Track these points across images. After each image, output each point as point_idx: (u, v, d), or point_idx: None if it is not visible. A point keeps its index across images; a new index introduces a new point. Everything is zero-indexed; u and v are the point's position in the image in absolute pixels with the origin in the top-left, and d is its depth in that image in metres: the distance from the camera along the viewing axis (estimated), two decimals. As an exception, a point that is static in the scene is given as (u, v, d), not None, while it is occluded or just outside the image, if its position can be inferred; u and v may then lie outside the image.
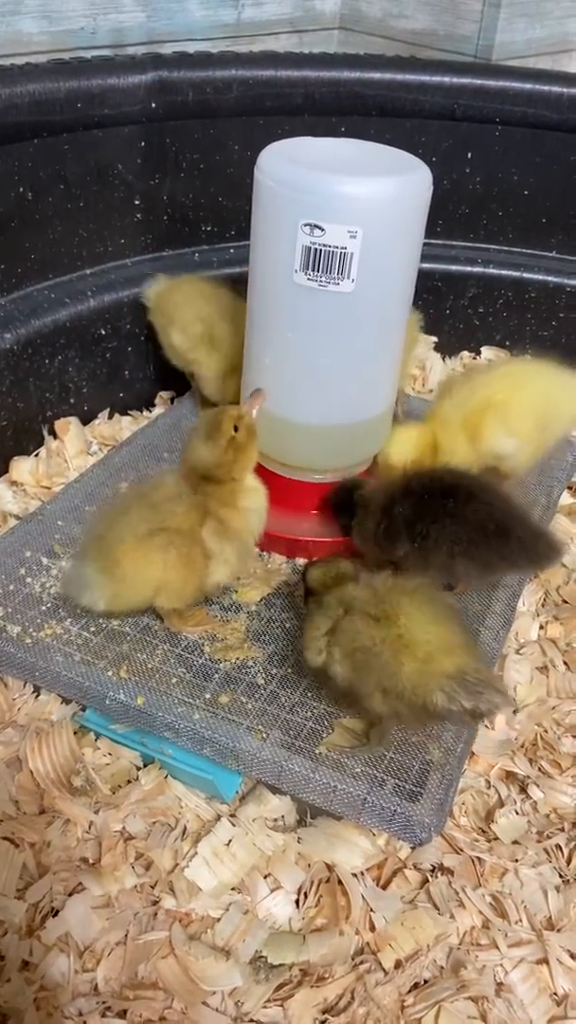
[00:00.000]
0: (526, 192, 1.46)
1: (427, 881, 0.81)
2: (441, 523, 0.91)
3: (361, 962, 0.75)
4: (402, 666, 0.76)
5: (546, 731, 0.95)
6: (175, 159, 1.31)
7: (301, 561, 1.06)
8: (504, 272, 1.51)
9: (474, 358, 1.59)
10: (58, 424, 1.29)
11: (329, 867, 0.81)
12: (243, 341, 1.06)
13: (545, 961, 0.76)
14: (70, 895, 0.77)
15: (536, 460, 1.12)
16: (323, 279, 0.90)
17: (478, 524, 0.91)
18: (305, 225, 0.88)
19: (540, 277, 1.50)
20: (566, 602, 1.12)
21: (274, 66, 1.31)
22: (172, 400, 1.43)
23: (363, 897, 0.79)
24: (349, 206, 0.87)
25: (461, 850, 0.83)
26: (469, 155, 1.44)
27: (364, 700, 0.79)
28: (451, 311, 1.55)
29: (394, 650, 0.77)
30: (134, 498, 0.91)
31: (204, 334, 1.22)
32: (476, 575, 0.95)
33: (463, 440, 1.06)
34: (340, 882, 0.79)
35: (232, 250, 1.42)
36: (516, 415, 1.05)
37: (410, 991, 0.73)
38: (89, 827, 0.83)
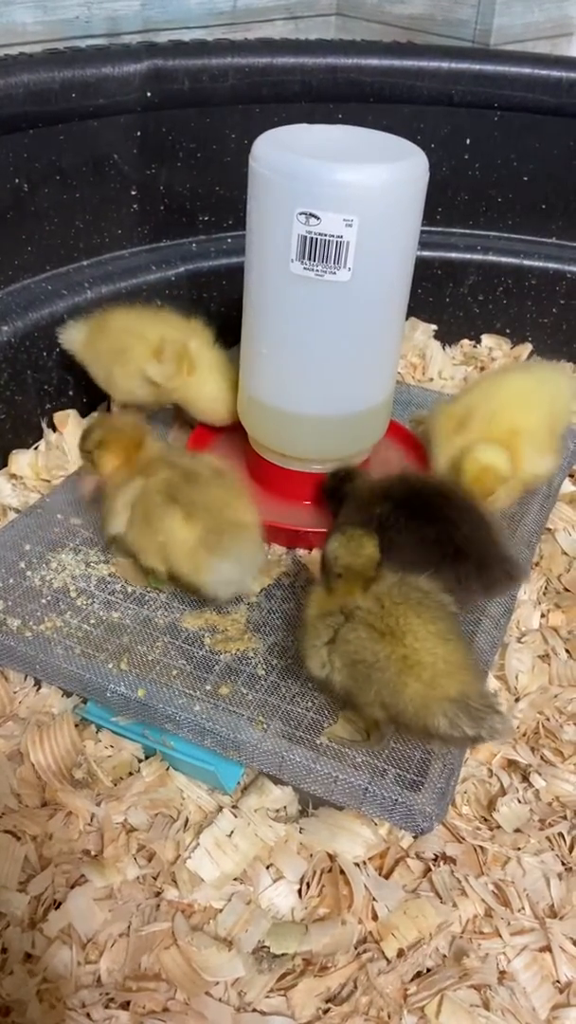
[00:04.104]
0: (525, 178, 1.45)
1: (429, 870, 0.81)
2: (405, 536, 0.91)
3: (364, 951, 0.75)
4: (406, 687, 0.75)
5: (548, 719, 0.95)
6: (171, 148, 1.31)
7: (301, 552, 1.06)
8: (504, 259, 1.50)
9: (474, 346, 1.58)
10: (57, 417, 1.29)
11: (331, 857, 0.81)
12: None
13: (548, 949, 0.76)
14: (72, 887, 0.78)
15: (557, 466, 1.13)
16: (320, 268, 0.90)
17: (437, 545, 0.91)
18: (300, 214, 0.87)
19: (540, 264, 1.49)
20: (567, 590, 1.11)
21: (270, 53, 1.30)
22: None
23: (365, 886, 0.79)
24: (345, 194, 0.86)
25: (463, 839, 0.83)
26: (467, 141, 1.43)
27: (364, 708, 0.79)
28: (451, 299, 1.55)
29: (398, 669, 0.75)
30: (209, 480, 0.94)
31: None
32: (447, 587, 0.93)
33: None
34: (342, 872, 0.80)
35: (230, 240, 1.42)
36: (541, 435, 1.07)
37: (413, 980, 0.73)
38: (91, 819, 0.83)
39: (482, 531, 0.93)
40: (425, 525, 0.92)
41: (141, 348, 1.13)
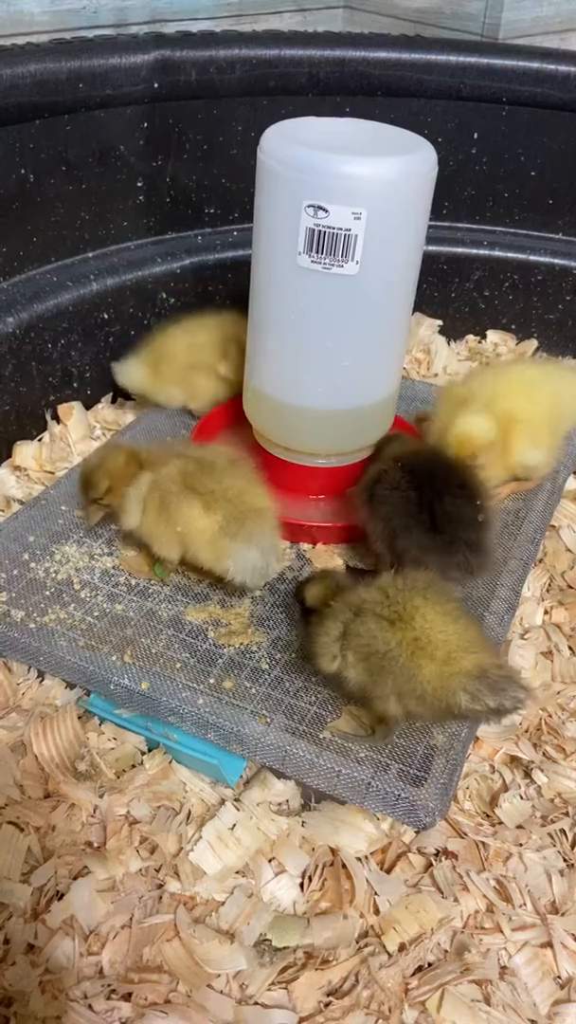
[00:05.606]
0: (532, 173, 1.45)
1: (431, 865, 0.81)
2: (394, 494, 0.93)
3: (365, 945, 0.75)
4: (421, 668, 0.75)
5: (550, 716, 0.95)
6: (178, 140, 1.30)
7: (305, 546, 1.06)
8: (510, 254, 1.49)
9: (479, 341, 1.57)
10: (61, 409, 1.29)
11: (333, 851, 0.81)
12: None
13: (549, 945, 0.76)
14: (75, 879, 0.78)
15: (555, 462, 1.14)
16: (327, 261, 0.89)
17: (417, 508, 0.92)
18: (309, 206, 0.87)
19: (546, 259, 1.49)
20: (571, 587, 1.11)
21: (278, 45, 1.30)
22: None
23: (367, 881, 0.79)
24: (353, 187, 0.86)
25: (465, 834, 0.83)
26: (475, 135, 1.42)
27: (378, 702, 0.79)
28: (456, 294, 1.54)
29: (411, 652, 0.76)
30: (224, 469, 0.95)
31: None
32: (410, 555, 0.92)
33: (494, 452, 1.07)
34: (344, 866, 0.80)
35: (236, 232, 1.41)
36: (539, 427, 1.08)
37: (414, 974, 0.74)
38: (94, 811, 0.83)
39: (466, 513, 0.93)
40: (412, 488, 0.93)
41: (211, 354, 1.20)
